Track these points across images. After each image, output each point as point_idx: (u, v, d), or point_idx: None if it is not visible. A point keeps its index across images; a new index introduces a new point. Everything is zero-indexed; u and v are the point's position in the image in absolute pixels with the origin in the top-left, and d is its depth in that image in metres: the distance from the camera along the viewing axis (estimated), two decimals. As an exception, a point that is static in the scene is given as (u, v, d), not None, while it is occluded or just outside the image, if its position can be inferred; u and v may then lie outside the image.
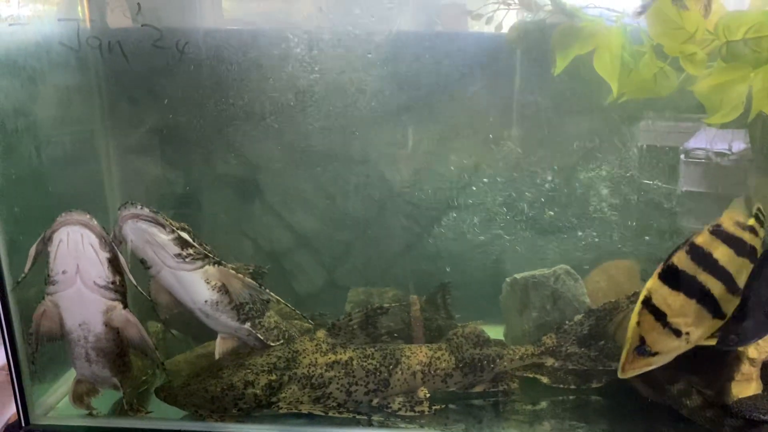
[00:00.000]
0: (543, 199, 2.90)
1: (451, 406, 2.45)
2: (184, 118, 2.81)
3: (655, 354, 1.93)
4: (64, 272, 2.13)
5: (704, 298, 1.90)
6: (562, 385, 2.47)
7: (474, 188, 2.94)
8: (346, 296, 2.97)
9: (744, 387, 2.18)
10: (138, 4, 2.28)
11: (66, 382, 2.59)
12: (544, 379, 2.48)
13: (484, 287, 2.96)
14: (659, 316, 1.90)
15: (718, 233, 1.93)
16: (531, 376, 2.51)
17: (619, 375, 1.97)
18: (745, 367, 2.17)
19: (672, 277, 1.91)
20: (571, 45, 2.53)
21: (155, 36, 2.30)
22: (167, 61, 2.50)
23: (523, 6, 2.69)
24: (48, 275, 2.16)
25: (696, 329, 1.92)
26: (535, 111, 2.83)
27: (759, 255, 1.95)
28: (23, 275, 2.19)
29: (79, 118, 2.81)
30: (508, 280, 2.77)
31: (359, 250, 3.13)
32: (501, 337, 2.76)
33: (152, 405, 2.46)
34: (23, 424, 2.42)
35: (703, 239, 1.92)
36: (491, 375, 2.50)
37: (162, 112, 2.80)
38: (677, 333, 1.91)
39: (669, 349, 1.93)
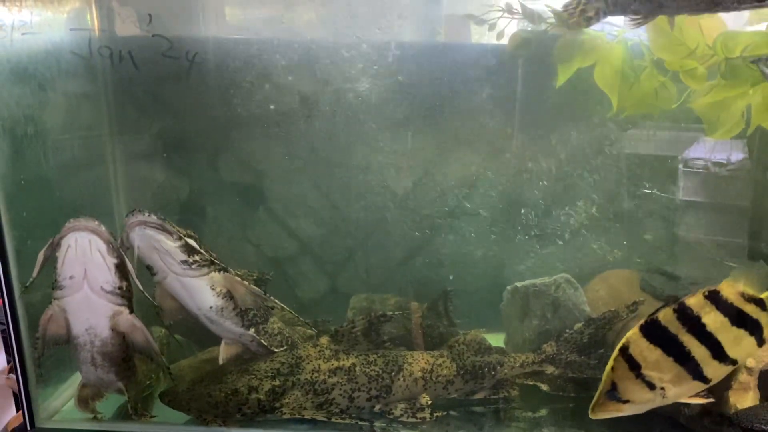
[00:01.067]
0: (543, 207, 2.93)
1: (452, 412, 2.47)
2: (189, 125, 2.85)
3: (626, 402, 1.93)
4: (71, 277, 2.16)
5: (684, 359, 1.89)
6: (561, 393, 2.49)
7: (476, 196, 2.98)
8: (348, 303, 2.99)
9: (741, 396, 2.19)
10: (149, 15, 2.33)
11: (71, 385, 2.61)
12: (544, 387, 2.50)
13: (486, 295, 2.99)
14: (633, 366, 1.90)
15: (714, 299, 1.89)
16: (531, 383, 2.53)
17: (590, 415, 1.97)
18: (743, 376, 2.18)
19: (652, 331, 1.91)
20: (573, 58, 2.57)
21: (165, 46, 2.35)
22: (175, 71, 2.53)
23: (526, 16, 2.72)
24: (55, 280, 2.18)
25: (673, 387, 1.91)
26: (535, 120, 2.87)
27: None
28: (31, 280, 2.21)
29: (87, 124, 2.85)
30: (509, 288, 2.80)
31: (362, 257, 3.16)
32: (501, 345, 2.79)
33: (156, 409, 2.48)
34: (29, 428, 2.44)
35: (694, 301, 1.90)
36: (492, 382, 2.52)
37: (169, 120, 2.83)
38: (651, 386, 1.90)
39: (641, 400, 1.93)
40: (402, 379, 2.44)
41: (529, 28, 2.74)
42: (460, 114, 2.91)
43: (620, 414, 1.95)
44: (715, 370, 1.91)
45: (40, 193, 2.57)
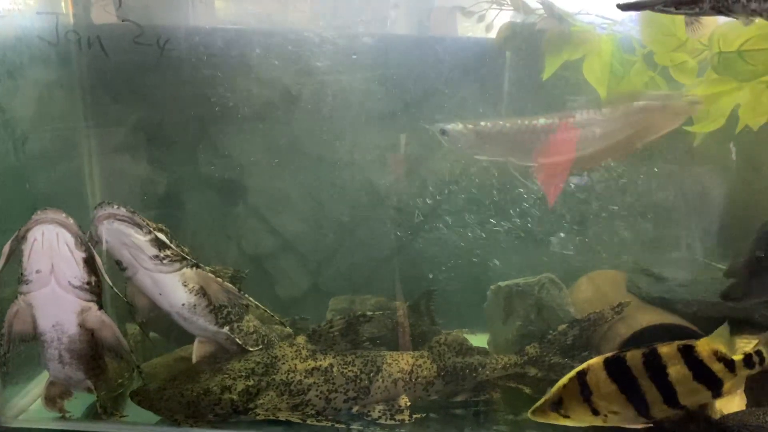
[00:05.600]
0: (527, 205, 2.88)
1: (432, 415, 2.42)
2: (166, 116, 2.77)
3: (567, 417, 1.98)
4: (38, 271, 2.09)
5: (636, 399, 1.93)
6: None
7: (460, 194, 2.92)
8: (329, 301, 2.93)
9: (728, 401, 2.16)
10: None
11: (39, 384, 2.54)
12: (527, 390, 2.45)
13: (470, 294, 2.94)
14: (585, 391, 1.94)
15: (686, 353, 1.92)
16: (513, 386, 2.48)
17: (529, 414, 2.03)
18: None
19: (615, 367, 1.94)
20: (562, 50, 2.52)
21: (136, 32, 2.27)
22: (149, 59, 2.46)
23: (515, 7, 2.68)
24: (21, 274, 2.11)
25: (616, 416, 1.96)
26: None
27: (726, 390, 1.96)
28: None
29: (59, 114, 2.77)
30: (492, 287, 2.75)
31: (343, 255, 3.10)
32: (485, 346, 2.73)
33: (127, 409, 2.41)
34: (-6, 427, 2.37)
35: (666, 351, 1.93)
36: (473, 384, 2.47)
37: (144, 110, 2.76)
38: (595, 412, 1.95)
39: (582, 420, 1.98)
40: (381, 380, 2.38)
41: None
42: (447, 107, 2.86)
43: (557, 423, 2.01)
44: (662, 413, 1.96)
45: (9, 184, 2.49)
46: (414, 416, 2.33)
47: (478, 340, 2.64)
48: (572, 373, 1.98)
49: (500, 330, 2.72)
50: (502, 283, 2.70)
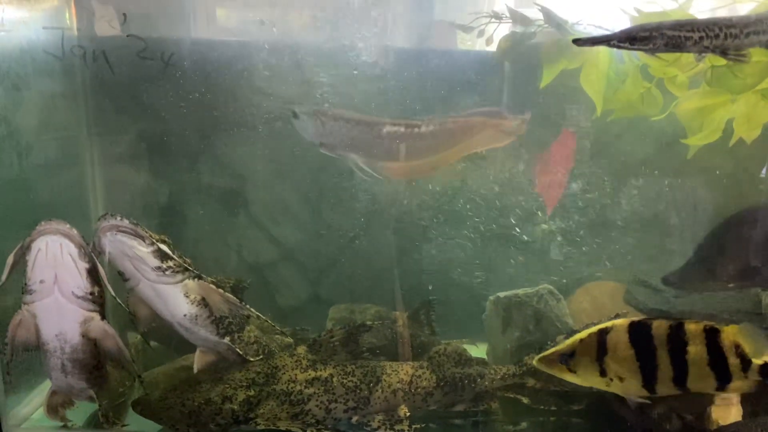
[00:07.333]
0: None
1: (431, 425, 2.43)
2: (169, 127, 2.80)
3: (573, 372, 1.99)
4: (41, 282, 2.10)
5: (649, 370, 1.94)
6: (543, 407, 2.45)
7: (460, 204, 2.94)
8: (329, 310, 2.94)
9: (724, 411, 2.17)
10: (123, 14, 2.28)
11: (41, 392, 2.56)
12: (525, 400, 2.46)
13: (469, 305, 2.95)
14: (601, 349, 1.94)
15: (711, 336, 1.93)
16: (512, 396, 2.49)
17: (534, 361, 2.05)
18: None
19: (638, 332, 1.95)
20: (559, 60, 2.55)
21: (140, 46, 2.29)
22: (153, 72, 2.49)
23: (514, 19, 2.70)
24: (25, 284, 2.13)
25: (621, 383, 1.96)
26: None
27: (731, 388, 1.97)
28: (0, 283, 2.16)
29: (63, 125, 2.79)
30: (491, 298, 2.76)
31: (344, 265, 3.11)
32: (484, 356, 2.74)
33: (129, 418, 2.43)
34: (-4, 435, 2.39)
35: (693, 328, 1.93)
36: (472, 394, 2.48)
37: (148, 122, 2.79)
38: (603, 373, 1.96)
39: (585, 378, 1.99)
40: (380, 390, 2.39)
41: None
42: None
43: (561, 377, 2.02)
44: (666, 390, 1.96)
45: (13, 194, 2.51)
46: (413, 426, 2.34)
47: (476, 350, 2.65)
48: (594, 329, 1.97)
49: (499, 340, 2.73)
50: (501, 294, 2.71)
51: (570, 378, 2.00)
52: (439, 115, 2.45)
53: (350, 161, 2.43)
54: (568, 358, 1.98)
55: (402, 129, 2.39)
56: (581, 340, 1.97)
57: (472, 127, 2.44)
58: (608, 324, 1.97)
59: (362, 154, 2.42)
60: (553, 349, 2.01)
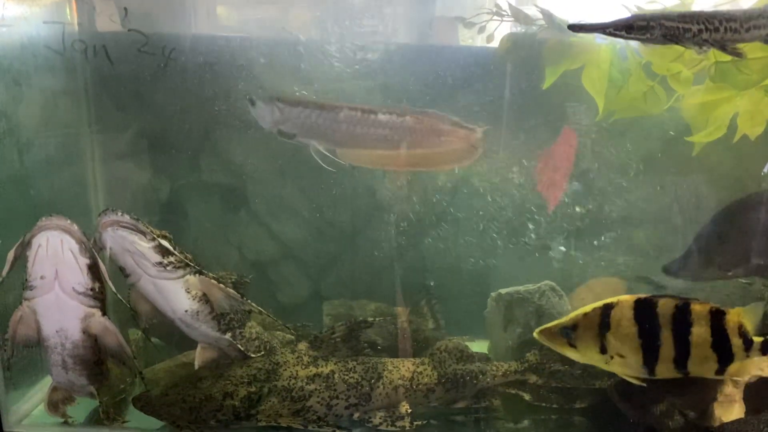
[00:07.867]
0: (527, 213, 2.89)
1: (432, 421, 2.43)
2: (170, 124, 2.79)
3: (573, 346, 1.97)
4: (42, 277, 2.10)
5: (650, 349, 1.91)
6: (544, 404, 2.45)
7: (462, 200, 2.93)
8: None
9: (727, 409, 2.17)
10: (125, 8, 2.27)
11: (42, 389, 2.55)
12: (527, 397, 2.46)
13: (472, 301, 2.94)
14: (604, 325, 1.91)
15: (715, 318, 1.91)
16: (513, 392, 2.48)
17: (534, 333, 2.03)
18: (728, 389, 2.15)
19: (644, 309, 1.92)
20: (561, 60, 2.54)
21: (141, 41, 2.29)
22: (154, 66, 2.48)
23: (515, 18, 2.69)
24: (26, 280, 2.13)
25: (620, 362, 1.94)
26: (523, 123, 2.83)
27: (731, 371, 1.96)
28: (0, 279, 2.15)
29: (64, 121, 2.78)
30: (493, 294, 2.76)
31: (345, 262, 3.10)
32: (486, 352, 2.74)
33: (130, 414, 2.42)
34: (-3, 432, 2.38)
35: (699, 309, 1.91)
36: (474, 391, 2.48)
37: (149, 118, 2.78)
38: (603, 350, 1.93)
39: (585, 354, 1.97)
40: (382, 386, 2.39)
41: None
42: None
43: (560, 351, 2.00)
44: (665, 371, 1.94)
45: (14, 190, 2.50)
46: (415, 423, 2.34)
47: (477, 346, 2.64)
48: (599, 303, 1.94)
49: (501, 337, 2.72)
50: (502, 291, 2.71)
51: (569, 353, 1.98)
52: (402, 109, 2.43)
53: (311, 148, 2.42)
54: (569, 332, 1.96)
55: (358, 114, 2.37)
56: (585, 314, 1.94)
57: (439, 131, 2.41)
58: (613, 299, 1.94)
59: (321, 140, 2.41)
60: (555, 322, 1.99)
